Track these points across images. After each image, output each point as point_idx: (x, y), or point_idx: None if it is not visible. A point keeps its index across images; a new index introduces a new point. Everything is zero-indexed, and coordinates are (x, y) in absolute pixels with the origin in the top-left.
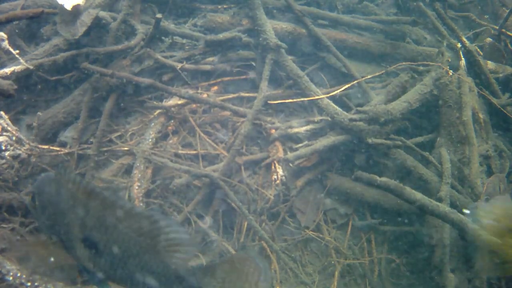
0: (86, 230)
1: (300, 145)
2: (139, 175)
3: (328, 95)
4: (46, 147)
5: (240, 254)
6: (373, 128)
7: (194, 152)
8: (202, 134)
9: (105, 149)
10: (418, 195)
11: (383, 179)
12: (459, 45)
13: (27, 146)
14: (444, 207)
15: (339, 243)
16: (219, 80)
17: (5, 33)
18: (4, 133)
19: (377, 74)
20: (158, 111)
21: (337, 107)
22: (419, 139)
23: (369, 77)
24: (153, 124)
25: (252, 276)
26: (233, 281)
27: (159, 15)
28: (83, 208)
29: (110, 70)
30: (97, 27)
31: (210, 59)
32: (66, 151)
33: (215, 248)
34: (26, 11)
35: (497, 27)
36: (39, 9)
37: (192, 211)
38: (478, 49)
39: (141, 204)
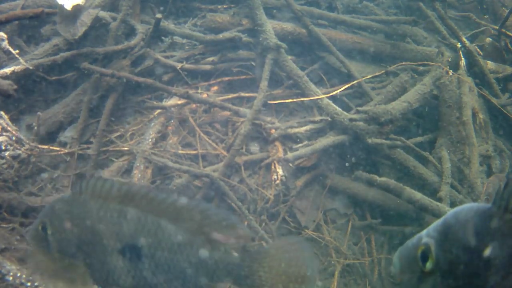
0: (125, 238)
1: (300, 145)
2: (139, 175)
3: (328, 95)
4: (46, 147)
5: (291, 239)
6: (373, 128)
7: (194, 152)
8: (202, 134)
9: (105, 149)
10: (418, 195)
11: (383, 179)
12: (459, 45)
13: (27, 146)
14: (444, 207)
15: (339, 243)
16: (219, 80)
17: (5, 33)
18: (4, 133)
19: (377, 74)
20: (158, 111)
21: (337, 107)
22: (419, 139)
23: (369, 77)
24: (153, 124)
25: (300, 266)
26: (282, 270)
27: (159, 15)
28: (118, 215)
29: (110, 70)
30: (97, 27)
31: (210, 59)
32: (66, 151)
33: None
34: (26, 11)
35: (497, 27)
36: (39, 9)
37: None
38: (478, 49)
39: None
